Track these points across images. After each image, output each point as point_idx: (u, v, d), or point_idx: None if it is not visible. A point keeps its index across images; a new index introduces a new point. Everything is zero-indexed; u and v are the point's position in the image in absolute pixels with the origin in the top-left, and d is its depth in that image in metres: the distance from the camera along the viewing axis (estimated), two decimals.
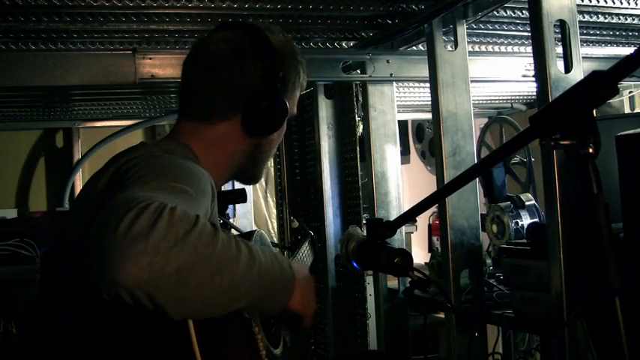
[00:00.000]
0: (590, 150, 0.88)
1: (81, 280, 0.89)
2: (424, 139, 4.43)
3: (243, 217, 3.56)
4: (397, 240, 2.47)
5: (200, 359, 0.98)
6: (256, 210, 4.15)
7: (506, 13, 2.21)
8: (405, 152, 4.43)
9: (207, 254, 0.90)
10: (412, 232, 3.71)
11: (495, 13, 2.15)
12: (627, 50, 2.78)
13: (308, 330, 1.24)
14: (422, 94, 3.37)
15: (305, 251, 1.88)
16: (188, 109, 1.35)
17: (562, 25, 1.74)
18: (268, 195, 4.34)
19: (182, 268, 0.87)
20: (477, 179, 2.34)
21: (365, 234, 1.39)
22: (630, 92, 3.41)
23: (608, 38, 2.66)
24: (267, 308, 1.08)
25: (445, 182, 2.10)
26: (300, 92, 1.44)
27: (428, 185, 4.38)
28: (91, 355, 1.04)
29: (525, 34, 2.47)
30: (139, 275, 0.84)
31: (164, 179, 1.00)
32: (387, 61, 2.48)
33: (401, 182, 2.60)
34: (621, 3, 2.21)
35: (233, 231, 1.78)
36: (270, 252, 1.05)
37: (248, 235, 1.36)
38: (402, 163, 3.03)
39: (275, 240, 4.02)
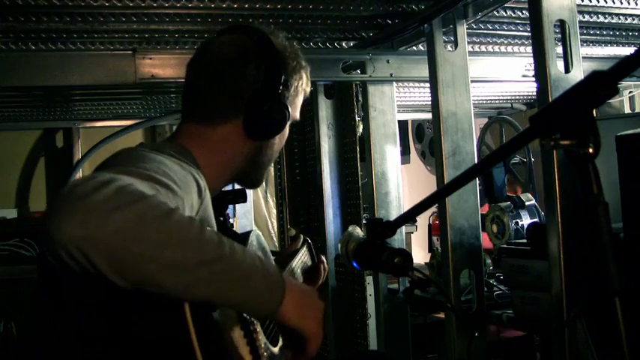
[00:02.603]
0: (590, 150, 0.88)
1: (75, 276, 0.89)
2: (424, 139, 4.43)
3: (243, 217, 3.56)
4: (397, 240, 2.47)
5: (200, 356, 0.98)
6: (256, 210, 4.15)
7: (506, 13, 2.21)
8: (405, 152, 4.43)
9: (155, 227, 0.89)
10: (412, 232, 3.70)
11: (495, 13, 2.15)
12: (627, 50, 2.78)
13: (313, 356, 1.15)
14: (422, 94, 3.37)
15: (303, 256, 1.88)
16: (190, 111, 1.36)
17: (562, 25, 1.74)
18: (268, 195, 4.34)
19: (121, 232, 0.87)
20: (477, 179, 2.34)
21: (365, 234, 1.39)
22: (630, 92, 3.42)
23: (608, 38, 2.66)
24: (248, 308, 1.04)
25: (445, 182, 2.10)
26: (304, 98, 1.44)
27: (428, 185, 4.38)
28: (90, 353, 1.04)
29: (525, 34, 2.47)
30: (70, 232, 0.85)
31: (134, 166, 1.01)
32: (387, 61, 2.48)
33: (401, 182, 2.60)
34: (621, 3, 2.21)
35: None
36: (254, 254, 1.03)
37: (244, 236, 1.36)
38: (402, 163, 3.03)
39: (275, 240, 4.02)
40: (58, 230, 0.85)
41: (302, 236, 1.92)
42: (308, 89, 1.43)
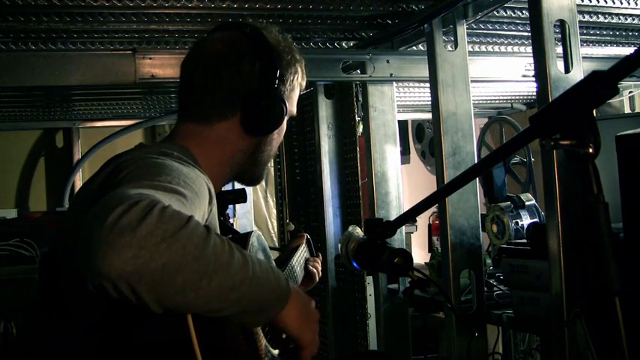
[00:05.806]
0: (590, 150, 0.88)
1: (77, 279, 0.89)
2: (424, 139, 4.42)
3: (243, 217, 3.57)
4: (397, 240, 2.47)
5: (200, 358, 0.98)
6: (256, 210, 4.15)
7: (506, 13, 2.21)
8: (405, 152, 4.43)
9: (196, 255, 0.89)
10: (412, 232, 3.71)
11: (495, 13, 2.15)
12: (627, 50, 2.78)
13: None
14: (422, 94, 3.37)
15: (303, 252, 1.88)
16: (187, 111, 1.35)
17: (562, 25, 1.74)
18: (268, 195, 4.34)
19: (168, 265, 0.87)
20: (477, 179, 2.34)
21: (365, 234, 1.38)
22: (630, 92, 3.41)
23: (608, 38, 2.66)
24: (253, 319, 1.05)
25: (445, 182, 2.09)
26: (300, 92, 1.43)
27: (428, 185, 4.38)
28: (91, 355, 1.04)
29: (525, 34, 2.47)
30: (122, 267, 0.84)
31: (158, 179, 1.00)
32: (387, 61, 2.48)
33: (401, 182, 2.60)
34: (621, 3, 2.21)
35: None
36: (267, 264, 1.03)
37: (245, 237, 1.35)
38: (402, 163, 3.03)
39: (275, 240, 4.03)
40: (108, 264, 0.84)
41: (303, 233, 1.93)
42: (304, 83, 1.43)
